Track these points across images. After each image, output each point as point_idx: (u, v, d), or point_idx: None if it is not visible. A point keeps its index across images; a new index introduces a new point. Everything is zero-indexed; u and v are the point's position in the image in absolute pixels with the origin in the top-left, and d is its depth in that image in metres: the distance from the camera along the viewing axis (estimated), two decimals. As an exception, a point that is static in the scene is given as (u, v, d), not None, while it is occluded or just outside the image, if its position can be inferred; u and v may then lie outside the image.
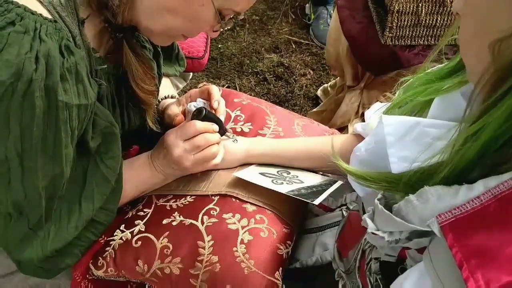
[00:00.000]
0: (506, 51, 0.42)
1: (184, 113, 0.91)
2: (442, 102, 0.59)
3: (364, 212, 0.63)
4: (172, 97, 1.00)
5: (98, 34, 0.73)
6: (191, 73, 1.55)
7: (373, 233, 0.52)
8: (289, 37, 2.13)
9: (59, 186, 0.69)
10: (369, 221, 0.53)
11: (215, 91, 0.89)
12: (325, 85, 1.87)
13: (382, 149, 0.58)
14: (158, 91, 0.89)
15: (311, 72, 1.99)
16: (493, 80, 0.43)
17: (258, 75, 1.98)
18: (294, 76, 1.96)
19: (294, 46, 2.10)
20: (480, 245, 0.43)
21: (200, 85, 0.95)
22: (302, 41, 2.11)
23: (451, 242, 0.44)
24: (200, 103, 0.88)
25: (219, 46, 2.09)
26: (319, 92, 1.87)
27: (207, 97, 0.90)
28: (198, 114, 0.81)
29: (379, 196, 0.54)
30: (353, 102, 1.51)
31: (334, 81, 1.82)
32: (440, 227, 0.45)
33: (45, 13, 0.62)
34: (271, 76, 1.97)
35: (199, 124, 0.79)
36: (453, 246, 0.44)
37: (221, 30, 0.76)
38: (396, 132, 0.57)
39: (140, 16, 0.70)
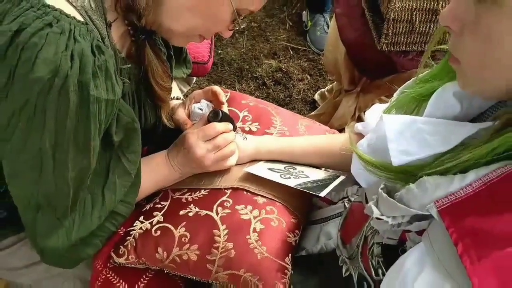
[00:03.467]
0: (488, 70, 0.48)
1: (188, 114, 0.97)
2: (436, 102, 0.66)
3: (367, 202, 0.70)
4: (177, 98, 1.06)
5: (121, 36, 0.79)
6: (195, 78, 1.61)
7: (378, 218, 0.58)
8: (287, 43, 2.21)
9: (86, 177, 0.75)
10: (374, 208, 0.59)
11: (220, 90, 0.96)
12: (322, 89, 1.94)
13: (383, 144, 0.65)
14: (171, 89, 0.95)
15: (309, 77, 2.06)
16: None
17: (258, 80, 2.05)
18: (292, 81, 2.03)
19: (291, 52, 2.17)
20: (473, 226, 0.50)
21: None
22: (300, 47, 2.18)
23: (448, 224, 0.51)
24: (203, 104, 0.95)
25: (219, 52, 2.15)
26: (316, 96, 1.95)
27: (211, 97, 0.97)
28: (215, 116, 0.87)
29: (382, 185, 0.61)
30: (350, 105, 1.58)
31: (330, 85, 1.89)
32: (438, 211, 0.52)
33: (78, 16, 0.68)
34: (270, 81, 2.04)
35: (219, 126, 0.86)
36: (450, 227, 0.50)
37: (236, 28, 0.82)
38: (396, 129, 0.64)
39: (163, 18, 0.77)
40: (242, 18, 0.81)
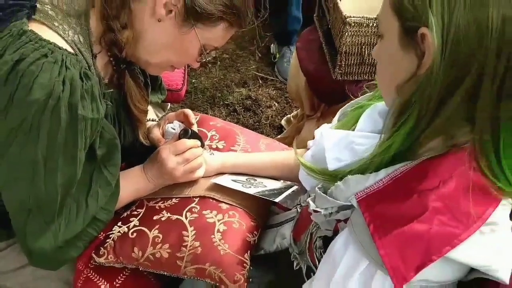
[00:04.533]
0: (404, 92, 0.64)
1: (162, 133, 1.10)
2: (365, 119, 0.81)
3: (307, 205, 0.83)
4: (153, 120, 1.20)
5: (105, 65, 0.92)
6: (169, 104, 1.75)
7: (314, 210, 0.72)
8: (256, 73, 2.38)
9: (72, 185, 0.86)
10: (311, 202, 0.73)
11: (191, 112, 1.10)
12: (289, 115, 2.10)
13: (322, 154, 0.79)
14: (148, 111, 1.08)
15: (276, 104, 2.22)
16: (397, 111, 0.65)
17: (229, 107, 2.20)
18: (261, 108, 2.19)
19: (260, 82, 2.34)
20: (381, 211, 0.64)
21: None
22: (268, 77, 2.35)
23: (363, 210, 0.65)
24: (176, 124, 1.08)
25: (193, 81, 2.30)
26: (283, 122, 2.10)
27: (182, 119, 1.11)
28: (185, 134, 1.01)
29: (319, 185, 0.75)
30: (311, 129, 1.73)
31: (296, 112, 2.06)
32: (357, 201, 0.66)
33: (69, 49, 0.82)
34: (240, 107, 2.19)
35: (188, 142, 0.99)
36: (364, 213, 0.65)
37: (202, 61, 0.97)
38: (332, 141, 0.79)
39: (141, 52, 0.91)
40: (208, 52, 0.96)
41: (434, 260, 0.59)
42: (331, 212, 0.70)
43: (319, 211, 0.71)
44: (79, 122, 0.80)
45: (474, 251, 0.60)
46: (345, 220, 0.70)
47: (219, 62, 2.41)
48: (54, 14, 0.84)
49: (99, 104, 0.85)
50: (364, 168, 0.69)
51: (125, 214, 0.99)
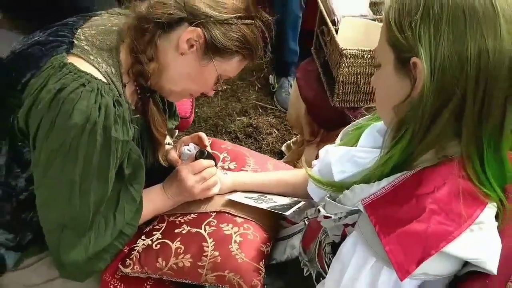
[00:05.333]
0: (400, 112, 0.75)
1: (179, 155, 1.20)
2: (365, 137, 0.92)
3: (319, 212, 0.93)
4: (169, 144, 1.30)
5: (132, 93, 1.03)
6: (177, 131, 1.86)
7: (325, 216, 0.82)
8: (256, 102, 2.50)
9: (103, 202, 0.95)
10: (322, 209, 0.83)
11: (205, 135, 1.21)
12: (288, 142, 2.22)
13: (328, 168, 0.89)
14: (167, 135, 1.18)
15: (276, 131, 2.34)
16: (395, 129, 0.76)
17: (231, 134, 2.31)
18: (261, 135, 2.31)
19: (261, 110, 2.46)
20: (385, 213, 0.74)
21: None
22: (268, 106, 2.48)
23: (369, 213, 0.75)
24: (191, 146, 1.18)
25: (197, 110, 2.42)
26: (283, 148, 2.21)
27: (197, 141, 1.21)
28: (201, 155, 1.11)
29: (328, 195, 0.85)
30: (311, 153, 1.84)
31: (295, 138, 2.17)
32: (364, 206, 0.76)
33: (103, 79, 0.92)
34: (242, 135, 2.30)
35: (205, 162, 1.10)
36: (370, 216, 0.74)
37: (218, 89, 1.09)
38: (337, 156, 0.89)
39: (165, 81, 1.01)
40: (223, 81, 1.08)
41: (432, 254, 0.69)
42: (340, 217, 0.80)
43: (330, 217, 0.81)
44: (112, 144, 0.90)
45: (466, 246, 0.70)
46: (353, 225, 0.80)
47: (220, 93, 2.53)
48: (89, 49, 0.95)
49: (129, 127, 0.95)
50: (368, 178, 0.79)
51: (148, 229, 1.07)
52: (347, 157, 0.88)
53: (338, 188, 0.85)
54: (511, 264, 0.74)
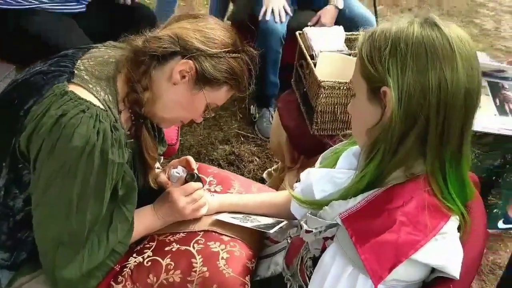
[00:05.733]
0: (372, 135, 0.85)
1: (168, 176, 1.27)
2: (342, 160, 1.01)
3: (301, 228, 1.01)
4: (158, 168, 1.37)
5: (127, 120, 1.10)
6: (162, 158, 1.92)
7: (307, 231, 0.90)
8: (238, 131, 2.59)
9: (97, 221, 1.01)
10: (304, 224, 0.91)
11: (192, 159, 1.28)
12: (269, 169, 2.30)
13: (310, 188, 0.98)
14: (157, 159, 1.25)
15: (257, 159, 2.43)
16: (368, 150, 0.86)
17: (214, 162, 2.38)
18: (243, 163, 2.39)
19: (242, 139, 2.55)
20: (360, 226, 0.82)
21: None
22: (249, 134, 2.57)
23: (346, 226, 0.83)
24: (180, 169, 1.25)
25: (180, 139, 2.49)
26: (264, 175, 2.29)
27: (185, 164, 1.28)
28: (191, 177, 1.18)
29: (309, 212, 0.93)
30: (292, 179, 1.93)
31: (276, 166, 2.25)
32: (341, 220, 0.84)
33: (101, 106, 0.99)
34: (224, 162, 2.38)
35: (195, 185, 1.17)
36: (348, 228, 0.83)
37: (206, 116, 1.17)
38: (317, 177, 0.98)
39: (157, 109, 1.09)
40: (211, 109, 1.16)
41: (402, 261, 0.77)
42: (320, 231, 0.88)
43: (311, 231, 0.89)
44: (109, 166, 0.97)
45: (431, 253, 0.78)
46: (332, 238, 0.88)
47: (203, 122, 2.61)
48: (89, 78, 1.03)
49: (124, 151, 1.02)
50: (345, 194, 0.88)
51: (138, 248, 1.13)
52: (327, 178, 0.97)
53: (318, 205, 0.93)
54: (472, 270, 0.83)
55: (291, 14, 2.40)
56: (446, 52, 0.77)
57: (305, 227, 0.90)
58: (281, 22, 2.31)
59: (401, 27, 0.79)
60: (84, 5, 2.09)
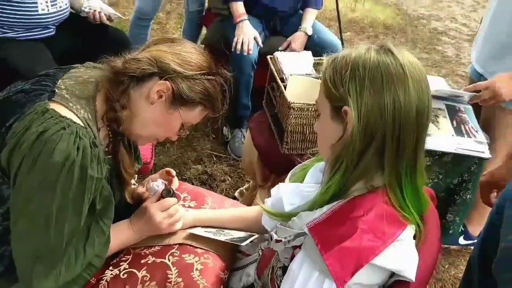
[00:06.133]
0: (335, 150, 0.92)
1: (146, 189, 1.32)
2: (310, 175, 1.09)
3: (272, 239, 1.07)
4: (134, 184, 1.41)
5: (105, 137, 1.15)
6: (136, 175, 1.95)
7: (277, 240, 0.96)
8: (211, 151, 2.65)
9: (75, 234, 1.04)
10: (274, 234, 0.97)
11: (172, 170, 1.34)
12: (241, 188, 2.36)
13: (280, 202, 1.05)
14: (133, 175, 1.30)
15: (229, 178, 2.48)
16: (332, 164, 0.93)
17: (186, 182, 2.41)
18: (216, 182, 2.44)
19: (215, 159, 2.60)
20: (325, 234, 0.89)
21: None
22: (222, 154, 2.63)
23: (312, 234, 0.90)
24: (159, 182, 1.30)
25: (154, 158, 2.52)
26: (236, 194, 2.35)
27: (165, 176, 1.33)
28: (168, 193, 1.23)
29: (279, 223, 1.00)
30: (263, 197, 1.99)
31: (247, 185, 2.32)
32: (308, 229, 0.91)
33: (81, 123, 1.04)
34: (197, 182, 2.43)
35: (171, 200, 1.22)
36: (313, 236, 0.89)
37: (181, 134, 1.23)
38: (287, 191, 1.05)
39: (135, 127, 1.14)
40: (185, 128, 1.22)
41: (363, 265, 0.84)
42: (289, 240, 0.94)
43: (281, 240, 0.95)
44: (88, 181, 1.01)
45: (389, 258, 0.86)
46: (300, 247, 0.94)
47: (176, 142, 2.66)
48: (69, 97, 1.07)
49: (103, 166, 1.07)
50: (311, 206, 0.95)
51: (115, 261, 1.16)
52: (295, 192, 1.04)
53: (287, 217, 1.00)
54: (426, 274, 0.91)
55: (261, 46, 2.49)
56: (399, 75, 0.86)
57: (275, 237, 0.97)
58: (249, 54, 2.40)
59: (360, 53, 0.88)
60: (52, 29, 2.14)
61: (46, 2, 2.02)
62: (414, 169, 0.92)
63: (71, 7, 2.22)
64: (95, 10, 2.20)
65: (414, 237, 0.93)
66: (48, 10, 2.04)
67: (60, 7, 2.09)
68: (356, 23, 4.86)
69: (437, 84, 2.01)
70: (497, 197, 1.37)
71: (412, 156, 0.90)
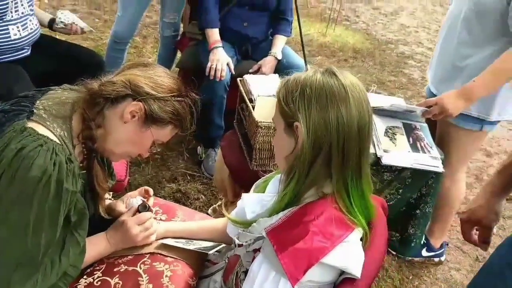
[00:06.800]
0: (289, 161, 1.03)
1: (126, 205, 1.40)
2: (270, 185, 1.19)
3: (235, 246, 1.16)
4: (108, 199, 1.49)
5: (80, 153, 1.23)
6: (112, 193, 2.02)
7: (239, 245, 1.05)
8: (185, 170, 2.73)
9: (51, 244, 1.11)
10: (236, 239, 1.07)
11: (151, 189, 1.43)
12: (214, 205, 2.44)
13: (243, 211, 1.14)
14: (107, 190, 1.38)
15: (203, 196, 2.57)
16: (286, 173, 1.04)
17: (161, 200, 2.49)
18: (190, 200, 2.52)
19: (189, 178, 2.69)
20: (281, 236, 0.99)
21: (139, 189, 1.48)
22: (195, 173, 2.72)
23: (270, 237, 0.99)
24: (139, 198, 1.39)
25: (129, 178, 2.59)
26: (209, 211, 2.42)
27: (143, 194, 1.43)
28: (144, 208, 1.32)
29: (241, 229, 1.09)
30: (234, 213, 2.08)
31: (220, 202, 2.40)
32: (266, 233, 1.01)
33: (57, 141, 1.12)
34: (172, 200, 2.49)
35: (148, 214, 1.31)
36: (271, 239, 0.99)
37: (152, 151, 1.32)
38: (249, 201, 1.15)
39: (108, 144, 1.23)
40: (156, 145, 1.32)
41: (314, 264, 0.94)
42: (250, 244, 1.04)
43: (242, 244, 1.04)
44: (64, 194, 1.09)
45: (337, 257, 0.96)
46: (259, 250, 1.04)
47: (151, 161, 2.74)
48: (47, 116, 1.16)
49: (77, 180, 1.15)
50: (270, 213, 1.05)
51: (89, 270, 1.23)
52: (257, 201, 1.14)
53: (249, 224, 1.09)
54: (372, 272, 1.01)
55: (233, 73, 2.60)
56: (342, 94, 0.98)
57: (237, 241, 1.06)
58: (220, 80, 2.51)
59: (308, 75, 1.00)
60: (27, 50, 2.22)
61: (18, 27, 2.12)
62: (360, 177, 1.03)
63: (41, 25, 2.32)
64: (73, 23, 2.32)
65: (362, 240, 1.04)
66: (20, 35, 2.13)
67: (31, 28, 2.19)
68: (327, 48, 5.06)
69: (395, 101, 2.16)
70: (480, 235, 1.30)
71: (357, 165, 1.01)
